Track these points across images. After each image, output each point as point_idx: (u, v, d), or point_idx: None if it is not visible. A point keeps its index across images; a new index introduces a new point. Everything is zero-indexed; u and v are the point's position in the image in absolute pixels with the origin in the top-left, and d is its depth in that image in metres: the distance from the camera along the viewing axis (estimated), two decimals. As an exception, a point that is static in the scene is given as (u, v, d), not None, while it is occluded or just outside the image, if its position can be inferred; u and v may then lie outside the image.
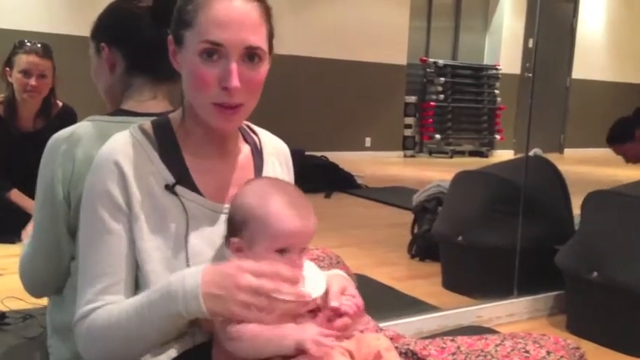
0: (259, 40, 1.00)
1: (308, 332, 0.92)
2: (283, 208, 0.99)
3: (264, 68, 1.03)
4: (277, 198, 1.00)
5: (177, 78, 1.29)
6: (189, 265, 1.02)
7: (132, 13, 1.40)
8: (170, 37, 1.06)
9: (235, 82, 0.98)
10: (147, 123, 1.11)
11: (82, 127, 1.31)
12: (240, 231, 1.01)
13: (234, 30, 0.98)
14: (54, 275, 1.35)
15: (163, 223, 1.03)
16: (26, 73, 3.03)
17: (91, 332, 1.02)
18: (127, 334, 0.98)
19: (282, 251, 0.99)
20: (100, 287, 1.02)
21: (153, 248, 1.02)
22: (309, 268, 1.06)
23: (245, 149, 1.17)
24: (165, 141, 1.08)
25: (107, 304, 1.02)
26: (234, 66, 0.98)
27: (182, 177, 1.06)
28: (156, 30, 1.35)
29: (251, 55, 1.00)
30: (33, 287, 1.43)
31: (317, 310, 1.02)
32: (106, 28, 1.42)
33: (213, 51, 0.98)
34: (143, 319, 0.97)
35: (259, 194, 1.02)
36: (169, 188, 1.05)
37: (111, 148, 1.05)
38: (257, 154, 1.18)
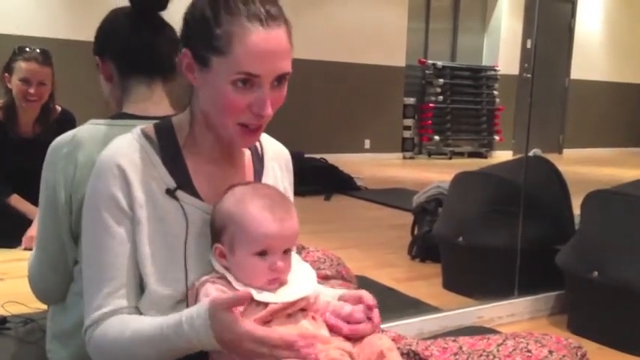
0: (289, 64, 1.02)
1: None
2: (259, 211, 1.00)
3: (286, 85, 1.05)
4: (254, 202, 1.01)
5: (172, 76, 1.30)
6: (187, 269, 1.03)
7: (113, 20, 1.43)
8: (186, 51, 1.03)
9: (269, 110, 1.00)
10: (149, 127, 1.11)
11: (84, 131, 1.32)
12: (221, 236, 1.02)
13: (270, 61, 0.99)
14: (63, 280, 1.35)
15: (163, 227, 1.04)
16: (26, 81, 3.02)
17: (101, 343, 1.03)
18: (137, 355, 0.99)
19: (261, 254, 1.00)
20: (107, 291, 1.02)
21: (153, 252, 1.03)
22: (300, 268, 1.07)
23: (246, 154, 1.17)
24: (168, 145, 1.09)
25: (117, 308, 1.03)
26: (268, 95, 1.00)
27: (183, 181, 1.07)
28: (137, 31, 1.37)
29: (280, 79, 1.02)
30: (45, 296, 1.43)
31: (307, 309, 1.03)
32: (96, 42, 1.45)
33: (247, 80, 0.99)
34: (157, 349, 0.97)
35: (238, 199, 1.02)
36: (170, 193, 1.05)
37: (113, 151, 1.05)
38: (257, 159, 1.19)
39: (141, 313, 1.03)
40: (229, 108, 1.00)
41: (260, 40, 0.97)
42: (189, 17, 1.04)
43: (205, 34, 0.99)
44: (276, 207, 1.02)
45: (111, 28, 1.43)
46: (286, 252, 1.03)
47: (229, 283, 0.99)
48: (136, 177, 1.04)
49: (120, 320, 1.02)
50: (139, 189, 1.04)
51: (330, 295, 1.12)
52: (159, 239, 1.03)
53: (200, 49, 1.00)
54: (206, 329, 0.92)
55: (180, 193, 1.05)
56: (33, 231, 2.87)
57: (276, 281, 1.01)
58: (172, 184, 1.06)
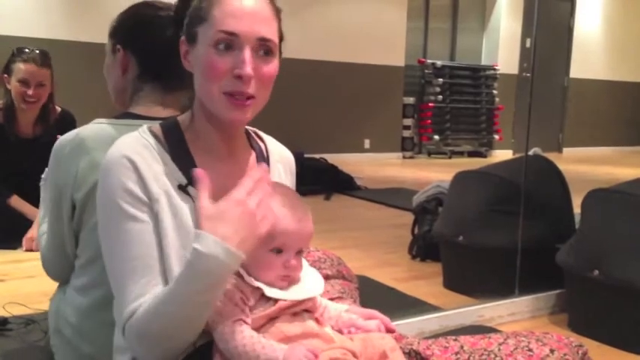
0: (271, 33, 1.03)
1: (297, 352, 0.92)
2: (279, 207, 1.01)
3: (275, 63, 1.05)
4: (274, 198, 1.01)
5: (186, 87, 1.30)
6: None
7: (153, 20, 1.39)
8: (182, 39, 1.07)
9: (248, 69, 0.99)
10: (155, 126, 1.11)
11: (87, 130, 1.32)
12: None
13: (248, 21, 1.00)
14: (66, 268, 1.41)
15: (177, 222, 1.03)
16: (24, 82, 3.01)
17: (136, 327, 0.98)
18: (168, 320, 0.95)
19: (277, 251, 1.00)
20: (145, 280, 0.99)
21: (169, 245, 1.01)
22: (308, 270, 1.08)
23: (251, 154, 1.17)
24: (175, 142, 1.08)
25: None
26: (247, 53, 1.00)
27: (192, 178, 1.07)
28: (173, 39, 1.36)
29: (263, 48, 1.02)
30: (53, 276, 1.49)
31: (312, 311, 1.03)
32: (125, 32, 1.42)
33: (227, 41, 1.00)
34: (183, 303, 0.93)
35: None
36: (182, 188, 1.05)
37: (122, 147, 1.04)
38: (262, 160, 1.18)
39: None
40: (212, 72, 1.00)
41: (237, 2, 1.01)
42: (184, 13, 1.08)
43: (192, 12, 1.04)
44: (296, 207, 1.03)
45: (147, 25, 1.40)
46: (299, 252, 1.03)
47: (241, 276, 0.99)
48: (148, 171, 1.03)
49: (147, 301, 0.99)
50: (153, 183, 1.02)
51: (335, 308, 1.12)
52: (174, 233, 1.02)
53: (189, 28, 1.05)
54: (220, 248, 0.91)
55: (191, 189, 1.05)
56: (33, 232, 2.87)
57: (287, 279, 1.01)
58: (183, 180, 1.05)
